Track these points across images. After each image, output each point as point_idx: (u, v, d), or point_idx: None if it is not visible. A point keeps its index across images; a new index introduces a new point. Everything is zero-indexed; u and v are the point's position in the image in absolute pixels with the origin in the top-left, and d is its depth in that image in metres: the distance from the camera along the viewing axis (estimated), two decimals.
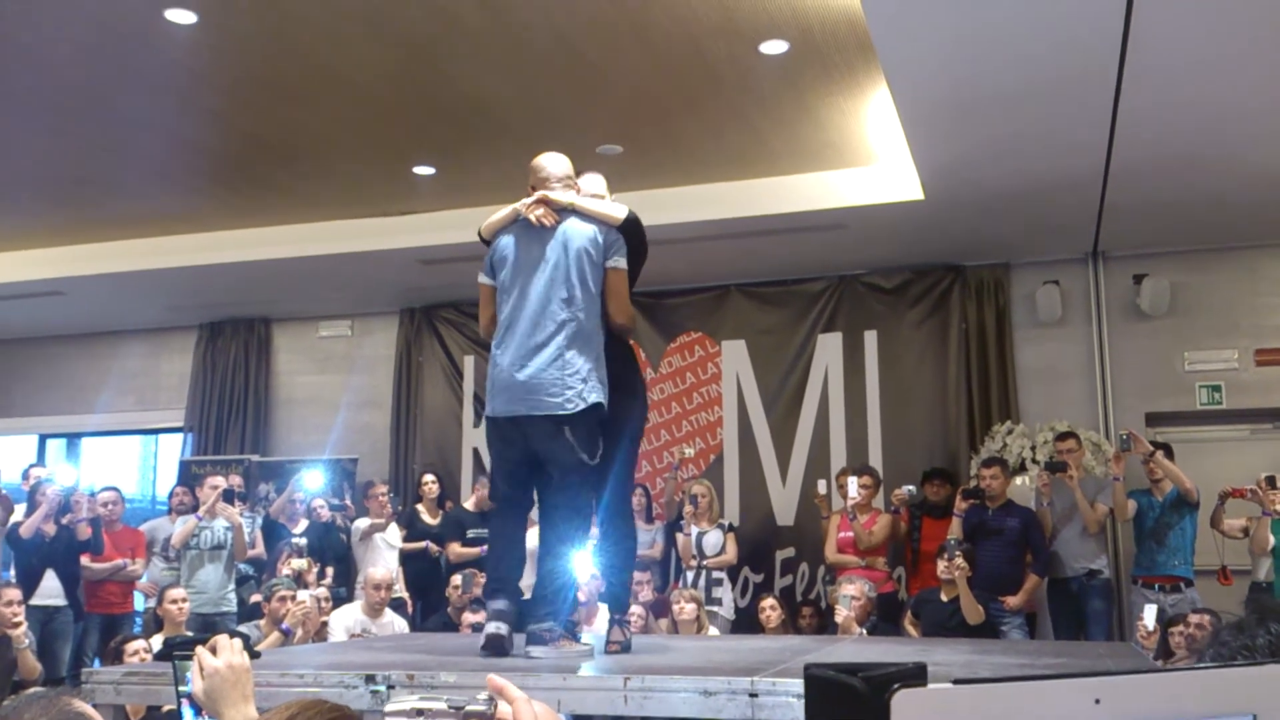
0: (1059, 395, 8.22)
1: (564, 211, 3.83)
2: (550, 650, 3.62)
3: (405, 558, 8.12)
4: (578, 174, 4.01)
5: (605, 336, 3.81)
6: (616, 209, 3.84)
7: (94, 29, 5.34)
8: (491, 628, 3.68)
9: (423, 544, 8.19)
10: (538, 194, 3.86)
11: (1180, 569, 6.91)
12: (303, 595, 5.97)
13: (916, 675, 0.83)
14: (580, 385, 3.63)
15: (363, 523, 8.10)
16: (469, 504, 8.40)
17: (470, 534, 7.99)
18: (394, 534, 8.17)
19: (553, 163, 3.95)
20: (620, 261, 3.76)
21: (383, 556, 7.95)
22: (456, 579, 7.30)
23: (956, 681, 0.86)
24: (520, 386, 3.67)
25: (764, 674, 2.83)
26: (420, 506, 8.56)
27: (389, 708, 1.25)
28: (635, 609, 6.28)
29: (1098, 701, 0.84)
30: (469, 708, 1.20)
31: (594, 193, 3.95)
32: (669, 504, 8.12)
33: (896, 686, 0.86)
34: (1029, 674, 0.85)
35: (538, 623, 3.71)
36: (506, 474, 3.91)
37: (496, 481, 4.10)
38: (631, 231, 3.83)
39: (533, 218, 3.81)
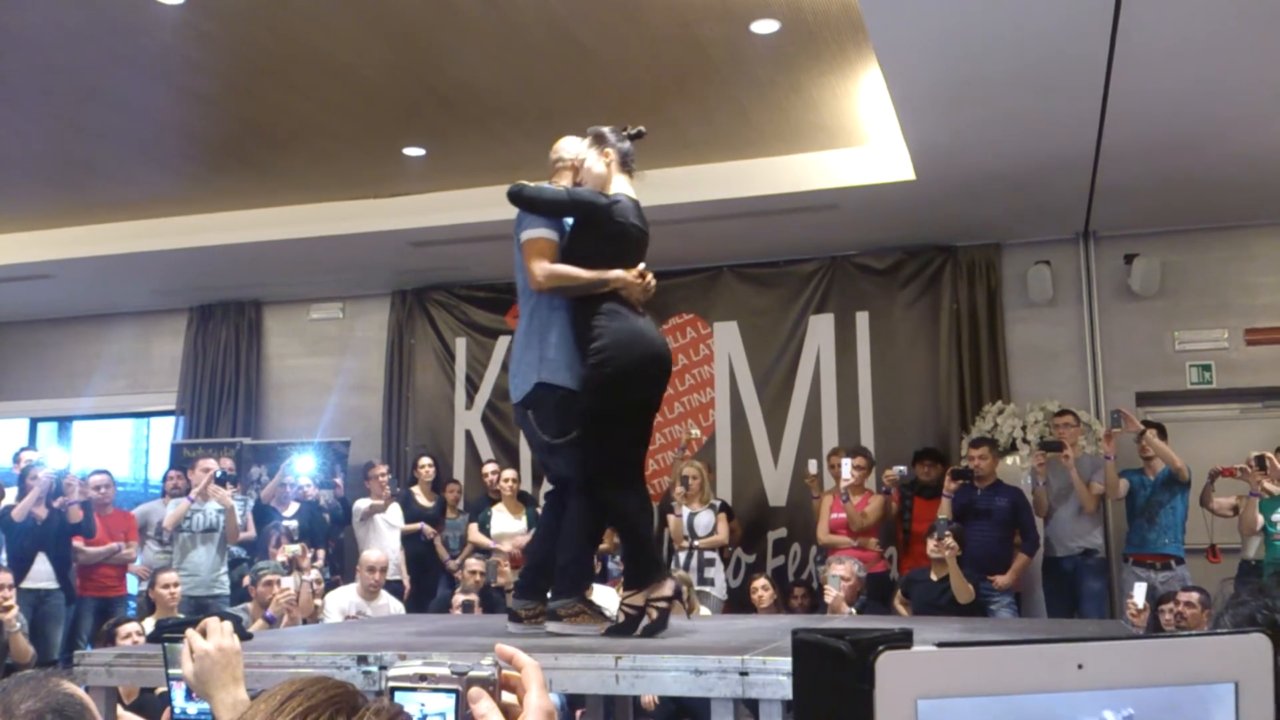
0: (1050, 375, 8.23)
1: None
2: (524, 626, 3.67)
3: (403, 539, 8.14)
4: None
5: (578, 313, 3.67)
6: (508, 189, 3.74)
7: (82, 12, 5.30)
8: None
9: (417, 526, 8.20)
10: None
11: (1171, 547, 6.96)
12: (287, 582, 5.95)
13: (902, 639, 0.84)
14: (526, 370, 3.67)
15: (363, 503, 8.09)
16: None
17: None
18: (395, 514, 8.18)
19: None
20: (526, 233, 3.63)
21: (383, 538, 7.95)
22: (474, 563, 7.29)
23: (940, 644, 0.86)
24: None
25: (754, 653, 2.84)
26: (415, 489, 8.56)
27: (392, 672, 1.25)
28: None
29: (1080, 667, 0.85)
30: (472, 673, 1.20)
31: (557, 159, 3.91)
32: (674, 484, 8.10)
33: (881, 648, 0.86)
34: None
35: (518, 600, 3.79)
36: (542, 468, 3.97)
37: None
38: (529, 204, 3.67)
39: None
